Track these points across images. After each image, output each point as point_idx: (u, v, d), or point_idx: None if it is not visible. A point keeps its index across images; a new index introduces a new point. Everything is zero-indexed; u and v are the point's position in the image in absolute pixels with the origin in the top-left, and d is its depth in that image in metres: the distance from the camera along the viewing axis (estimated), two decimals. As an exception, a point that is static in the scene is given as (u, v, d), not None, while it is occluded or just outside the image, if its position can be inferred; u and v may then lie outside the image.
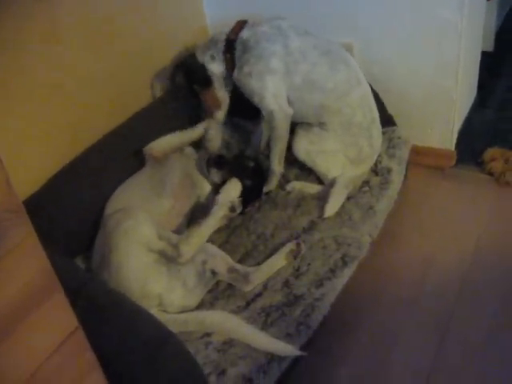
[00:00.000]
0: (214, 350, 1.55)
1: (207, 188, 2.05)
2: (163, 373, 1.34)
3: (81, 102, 2.05)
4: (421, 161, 2.54)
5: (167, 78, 2.35)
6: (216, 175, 2.04)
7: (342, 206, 2.04)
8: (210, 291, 1.80)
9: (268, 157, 2.18)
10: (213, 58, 2.13)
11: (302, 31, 2.06)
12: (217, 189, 1.96)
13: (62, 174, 1.93)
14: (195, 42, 2.26)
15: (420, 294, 2.02)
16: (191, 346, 1.51)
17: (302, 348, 1.56)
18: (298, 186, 2.17)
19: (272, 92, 2.03)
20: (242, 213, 1.95)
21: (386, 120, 2.31)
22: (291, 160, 2.19)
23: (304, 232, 1.96)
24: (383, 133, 2.25)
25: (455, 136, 2.54)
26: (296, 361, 1.58)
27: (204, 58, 2.14)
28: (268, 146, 2.20)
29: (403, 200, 2.25)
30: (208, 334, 1.61)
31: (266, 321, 1.63)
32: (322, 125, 2.10)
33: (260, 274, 1.79)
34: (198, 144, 2.25)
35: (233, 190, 1.93)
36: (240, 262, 1.88)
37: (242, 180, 2.00)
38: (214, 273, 1.79)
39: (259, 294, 1.74)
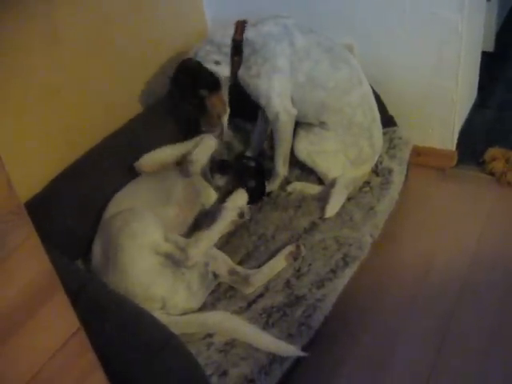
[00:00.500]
0: (215, 350, 1.56)
1: (213, 196, 2.03)
2: (165, 374, 1.34)
3: (81, 102, 2.05)
4: (422, 161, 2.53)
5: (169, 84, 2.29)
6: (220, 180, 2.04)
7: (343, 207, 2.05)
8: (211, 292, 1.80)
9: (270, 158, 2.19)
10: (217, 63, 2.06)
11: (306, 29, 2.05)
12: (223, 197, 1.95)
13: (64, 176, 1.93)
14: (194, 43, 2.24)
15: (421, 294, 2.02)
16: (193, 347, 1.51)
17: (303, 348, 1.57)
18: (298, 186, 2.17)
19: (278, 92, 2.02)
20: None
21: (387, 120, 2.31)
22: (292, 161, 2.19)
23: (305, 233, 1.96)
24: (384, 133, 2.26)
25: (456, 136, 2.54)
26: (298, 361, 1.59)
27: (207, 63, 2.07)
28: (272, 147, 2.20)
29: (404, 200, 2.25)
30: (210, 335, 1.61)
31: (268, 321, 1.63)
32: (322, 124, 2.10)
33: (260, 277, 1.79)
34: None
35: (239, 198, 1.92)
36: (241, 263, 1.88)
37: (245, 181, 1.99)
38: (215, 275, 1.80)
39: (261, 295, 1.74)
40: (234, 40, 2.04)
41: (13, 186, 0.84)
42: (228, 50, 2.05)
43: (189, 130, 2.23)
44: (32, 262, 0.90)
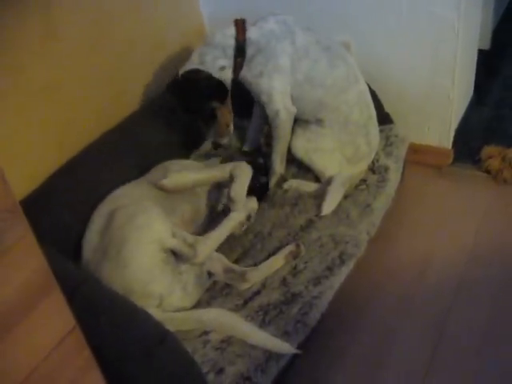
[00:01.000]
0: (212, 348, 1.56)
1: None
2: (161, 371, 1.34)
3: (78, 100, 2.05)
4: (418, 159, 2.54)
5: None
6: None
7: (340, 204, 2.05)
8: (207, 290, 1.80)
9: (266, 155, 2.19)
10: (223, 68, 2.01)
11: (304, 27, 2.05)
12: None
13: (60, 173, 1.93)
14: (191, 39, 2.23)
15: (417, 292, 2.02)
16: (189, 345, 1.52)
17: (299, 346, 1.57)
18: (295, 184, 2.17)
19: (280, 90, 2.01)
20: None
21: (383, 118, 2.32)
22: (288, 158, 2.19)
23: (301, 230, 1.96)
24: (380, 131, 2.26)
25: (452, 134, 2.54)
26: (294, 359, 1.59)
27: (215, 71, 2.00)
28: (268, 145, 2.20)
29: (400, 198, 2.26)
30: (206, 333, 1.61)
31: (264, 319, 1.63)
32: (318, 121, 2.10)
33: (257, 274, 1.80)
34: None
35: (251, 201, 1.92)
36: (237, 260, 1.88)
37: (257, 178, 1.98)
38: (210, 274, 1.80)
39: (257, 293, 1.74)
40: (237, 41, 1.99)
41: (8, 184, 0.84)
42: (231, 51, 2.00)
43: (189, 129, 2.24)
44: (28, 260, 0.89)
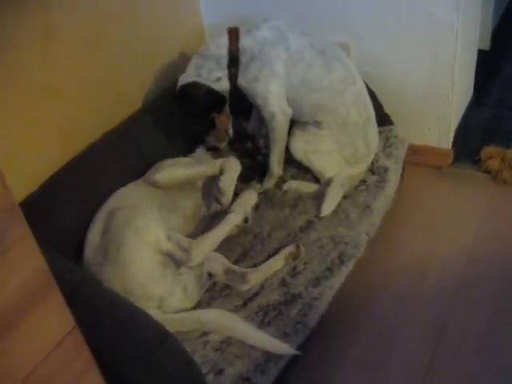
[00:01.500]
0: (211, 349, 1.56)
1: None
2: (160, 372, 1.34)
3: (77, 101, 2.04)
4: (418, 160, 2.53)
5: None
6: None
7: (339, 205, 2.05)
8: (206, 291, 1.80)
9: (266, 156, 2.19)
10: (219, 79, 2.04)
11: (298, 31, 2.06)
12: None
13: (61, 174, 1.92)
14: (191, 41, 2.23)
15: (417, 292, 2.02)
16: (189, 346, 1.52)
17: (299, 347, 1.57)
18: (294, 185, 2.17)
19: (275, 94, 2.02)
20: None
21: (383, 119, 2.32)
22: (288, 159, 2.19)
23: (301, 231, 1.96)
24: (380, 132, 2.26)
25: (452, 135, 2.54)
26: (293, 360, 1.59)
27: (211, 83, 2.04)
28: (267, 146, 2.20)
29: (400, 199, 2.26)
30: (205, 334, 1.61)
31: (264, 320, 1.63)
32: (316, 123, 2.11)
33: (257, 275, 1.80)
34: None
35: (249, 199, 1.92)
36: (237, 261, 1.88)
37: (253, 158, 2.06)
38: (210, 275, 1.80)
39: (256, 293, 1.75)
40: (230, 51, 2.02)
41: (7, 185, 0.84)
42: (225, 61, 2.03)
43: (189, 130, 2.24)
44: (27, 261, 0.90)
